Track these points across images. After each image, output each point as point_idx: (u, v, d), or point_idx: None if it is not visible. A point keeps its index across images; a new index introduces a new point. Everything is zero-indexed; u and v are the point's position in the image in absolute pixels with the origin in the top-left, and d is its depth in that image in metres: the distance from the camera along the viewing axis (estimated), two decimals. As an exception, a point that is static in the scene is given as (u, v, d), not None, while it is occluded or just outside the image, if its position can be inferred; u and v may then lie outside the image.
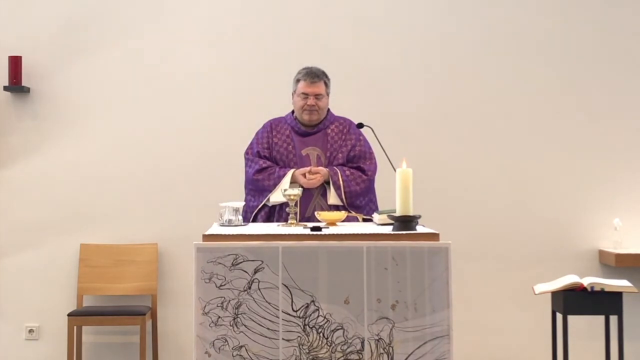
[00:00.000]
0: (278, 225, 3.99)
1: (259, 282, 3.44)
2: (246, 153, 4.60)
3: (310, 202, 4.42)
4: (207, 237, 3.53)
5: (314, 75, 4.49)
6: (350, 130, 4.56)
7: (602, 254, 5.43)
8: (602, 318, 4.77)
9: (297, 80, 4.53)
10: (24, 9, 5.49)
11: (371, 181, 4.52)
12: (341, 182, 4.40)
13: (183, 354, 5.43)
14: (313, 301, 3.44)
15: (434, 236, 3.51)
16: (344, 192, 4.39)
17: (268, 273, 3.44)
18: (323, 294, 3.44)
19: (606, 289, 4.26)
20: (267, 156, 4.53)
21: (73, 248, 5.47)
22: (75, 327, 5.14)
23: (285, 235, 3.54)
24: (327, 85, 4.54)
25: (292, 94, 4.58)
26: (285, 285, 3.44)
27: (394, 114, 5.47)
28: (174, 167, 5.50)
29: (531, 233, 5.49)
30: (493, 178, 5.51)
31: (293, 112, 4.61)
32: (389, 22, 5.51)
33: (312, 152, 4.52)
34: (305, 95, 4.48)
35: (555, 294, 4.41)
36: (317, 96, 4.49)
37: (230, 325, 3.43)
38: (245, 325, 3.43)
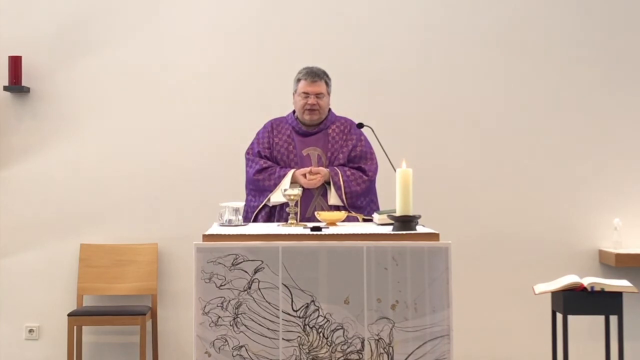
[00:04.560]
0: (278, 225, 3.99)
1: (259, 282, 3.44)
2: (247, 153, 4.59)
3: (310, 202, 4.41)
4: (207, 237, 3.53)
5: (315, 75, 4.48)
6: (352, 131, 4.56)
7: (602, 254, 5.43)
8: (602, 318, 4.77)
9: (298, 80, 4.52)
10: (24, 9, 5.49)
11: (372, 182, 4.51)
12: (341, 183, 4.40)
13: (183, 354, 5.43)
14: (313, 301, 3.44)
15: (434, 236, 3.51)
16: (345, 193, 4.39)
17: (268, 273, 3.44)
18: (323, 294, 3.44)
19: (606, 289, 4.26)
20: (268, 156, 4.52)
21: (73, 248, 5.47)
22: (75, 327, 5.14)
23: (285, 235, 3.54)
24: (327, 84, 4.54)
25: (293, 94, 4.57)
26: (285, 285, 3.44)
27: (394, 114, 5.47)
28: (174, 167, 5.50)
29: (531, 233, 5.49)
30: (493, 178, 5.51)
31: (294, 112, 4.60)
32: (389, 22, 5.51)
33: (312, 152, 4.52)
34: (306, 94, 4.48)
35: (555, 294, 4.41)
36: (318, 95, 4.48)
37: (230, 325, 3.43)
38: (245, 325, 3.43)
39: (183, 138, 5.50)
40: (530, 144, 5.52)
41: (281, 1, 5.52)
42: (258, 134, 4.62)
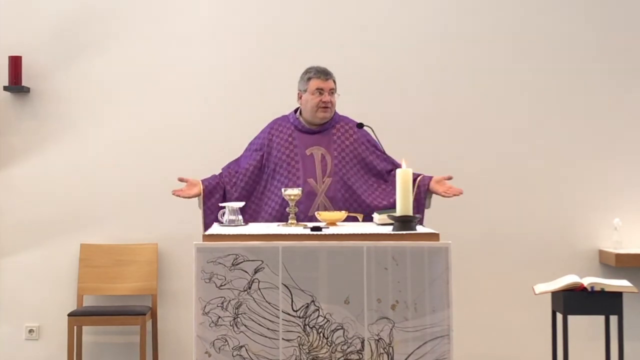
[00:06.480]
0: (278, 225, 3.99)
1: (259, 282, 3.44)
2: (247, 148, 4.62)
3: (313, 201, 4.39)
4: (207, 237, 3.53)
5: (326, 72, 4.47)
6: (358, 133, 4.54)
7: (602, 254, 5.43)
8: (602, 318, 4.77)
9: (308, 79, 4.46)
10: (24, 9, 5.49)
11: None
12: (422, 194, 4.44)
13: (183, 354, 5.43)
14: (313, 301, 3.44)
15: (434, 236, 3.51)
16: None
17: (268, 273, 3.44)
18: (323, 294, 3.44)
19: (606, 289, 4.26)
20: (253, 158, 4.51)
21: (73, 248, 5.47)
22: (75, 327, 5.14)
23: (285, 235, 3.54)
24: (335, 83, 4.52)
25: (300, 94, 4.51)
26: (285, 285, 3.44)
27: (394, 114, 5.47)
28: (174, 167, 5.48)
29: (531, 233, 5.49)
30: (493, 178, 5.51)
31: (296, 111, 4.59)
32: (389, 22, 5.51)
33: (316, 152, 4.48)
34: (321, 90, 4.44)
35: (555, 294, 4.41)
36: (331, 91, 4.47)
37: (230, 325, 3.43)
38: (245, 325, 3.43)
39: (183, 138, 5.50)
40: (531, 144, 5.52)
41: (281, 1, 5.52)
42: (259, 133, 4.61)
